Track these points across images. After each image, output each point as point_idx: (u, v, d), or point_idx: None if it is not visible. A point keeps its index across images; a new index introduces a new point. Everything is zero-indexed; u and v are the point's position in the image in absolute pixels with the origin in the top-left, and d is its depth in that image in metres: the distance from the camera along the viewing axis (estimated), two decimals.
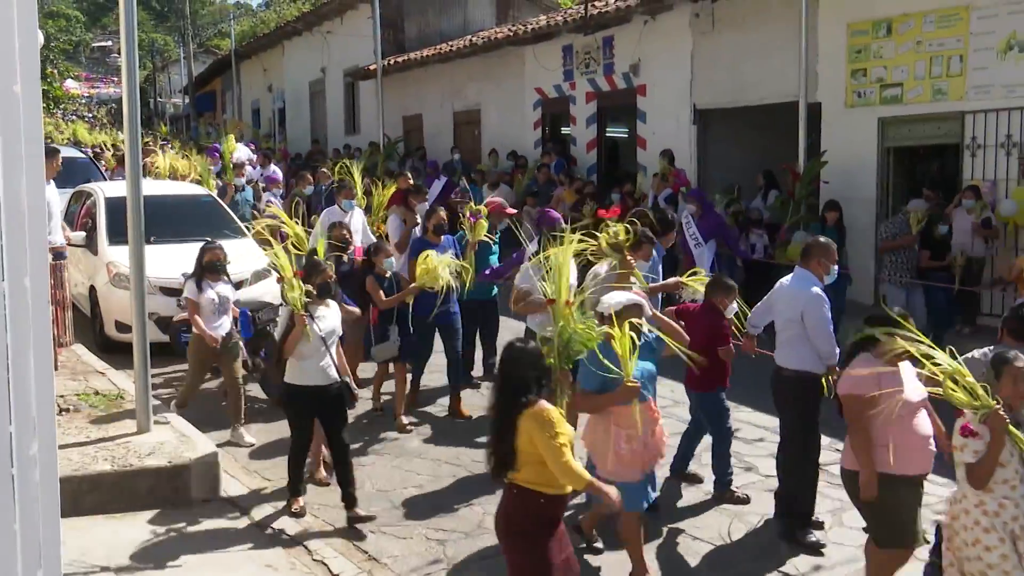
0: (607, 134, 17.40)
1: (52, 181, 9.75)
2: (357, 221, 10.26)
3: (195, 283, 7.67)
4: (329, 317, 6.21)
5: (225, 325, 7.73)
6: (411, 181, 11.48)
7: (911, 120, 11.41)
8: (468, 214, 8.57)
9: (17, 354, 1.61)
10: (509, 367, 4.29)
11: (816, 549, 5.77)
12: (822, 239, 6.09)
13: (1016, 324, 5.13)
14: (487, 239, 8.66)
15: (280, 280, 6.09)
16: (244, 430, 7.72)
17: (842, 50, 12.03)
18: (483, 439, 7.60)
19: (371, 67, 22.26)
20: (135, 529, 5.83)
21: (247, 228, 11.74)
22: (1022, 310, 5.31)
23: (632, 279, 6.29)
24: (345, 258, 8.33)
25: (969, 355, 4.96)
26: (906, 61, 11.25)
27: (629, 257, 6.47)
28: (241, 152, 17.85)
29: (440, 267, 7.68)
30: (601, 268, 6.40)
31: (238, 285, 9.69)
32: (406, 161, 20.55)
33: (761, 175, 13.49)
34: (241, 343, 8.08)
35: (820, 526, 6.00)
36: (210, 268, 7.69)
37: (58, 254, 8.77)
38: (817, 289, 5.75)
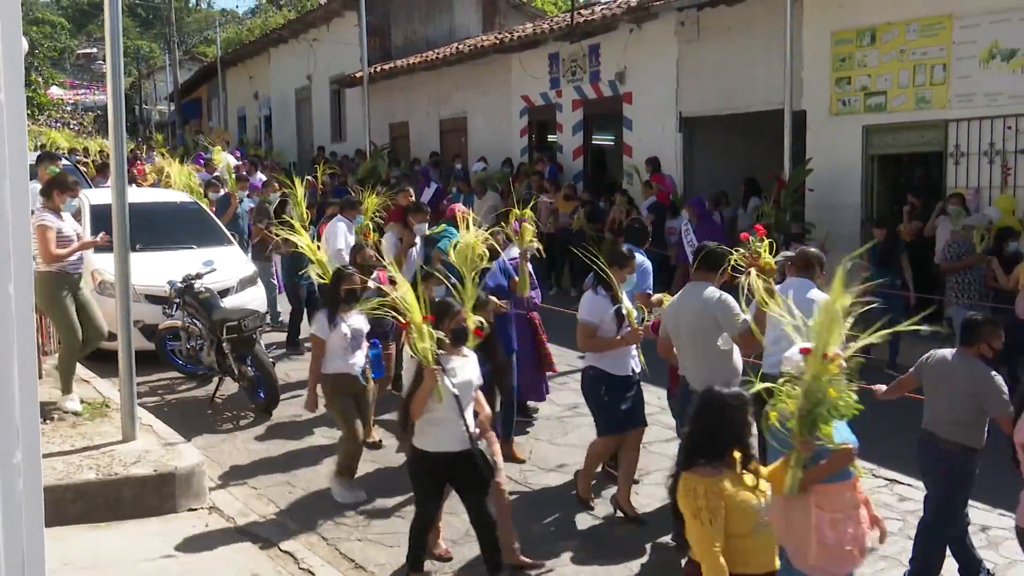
0: (593, 142, 17.45)
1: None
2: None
3: (326, 317, 6.63)
4: (465, 369, 5.19)
5: (359, 361, 6.75)
6: (412, 198, 10.83)
7: (895, 128, 11.49)
8: (513, 220, 7.81)
9: (0, 361, 1.60)
10: (702, 417, 3.76)
11: None
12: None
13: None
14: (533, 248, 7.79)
15: (406, 327, 5.04)
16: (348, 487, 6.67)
17: (826, 58, 12.11)
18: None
19: (357, 74, 22.26)
20: (120, 538, 5.79)
21: (233, 238, 11.74)
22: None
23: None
24: (372, 284, 7.55)
25: None
26: (890, 69, 11.34)
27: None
28: (228, 161, 17.86)
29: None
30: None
31: (224, 293, 9.70)
32: (409, 165, 20.47)
33: (743, 183, 13.56)
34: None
35: None
36: (349, 299, 6.70)
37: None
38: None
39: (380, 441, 7.62)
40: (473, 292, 6.41)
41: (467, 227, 6.93)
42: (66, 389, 7.59)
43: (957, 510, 5.20)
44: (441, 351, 5.03)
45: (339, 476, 6.63)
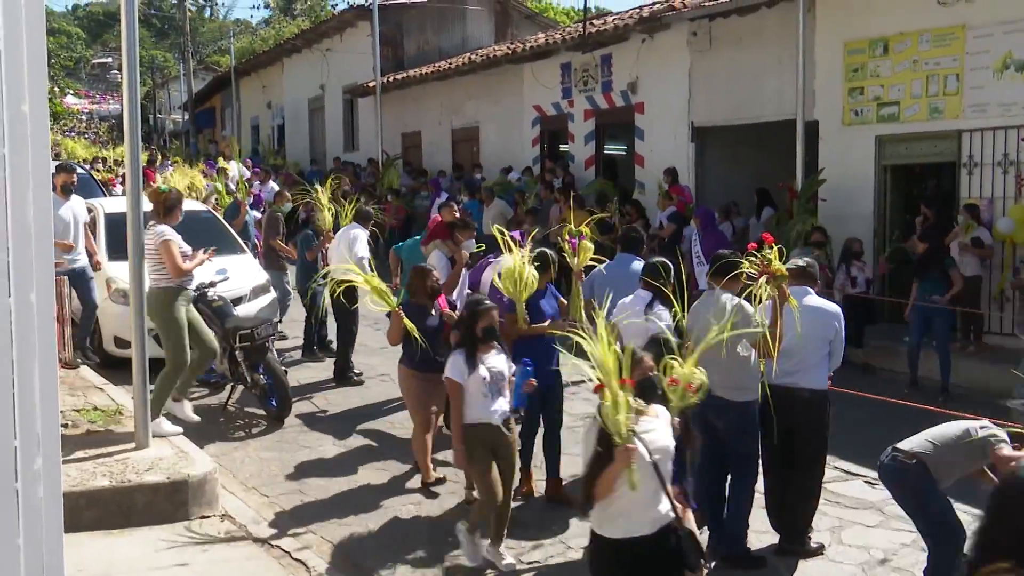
0: (605, 151, 17.46)
1: (72, 195, 9.83)
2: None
3: (463, 358, 5.77)
4: (660, 430, 4.02)
5: (501, 408, 5.77)
6: (457, 213, 9.83)
7: (908, 138, 11.47)
8: (568, 236, 7.20)
9: (22, 369, 1.63)
10: (1010, 510, 3.18)
11: (820, 551, 5.84)
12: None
13: None
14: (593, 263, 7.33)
15: (598, 390, 3.86)
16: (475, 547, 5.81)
17: (839, 69, 12.10)
18: None
19: (370, 84, 22.37)
20: (133, 545, 5.82)
21: (246, 246, 11.80)
22: None
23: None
24: (432, 311, 6.99)
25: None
26: (903, 80, 11.32)
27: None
28: (236, 169, 17.98)
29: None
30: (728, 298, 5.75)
31: (237, 301, 9.75)
32: (423, 174, 20.52)
33: (755, 193, 13.55)
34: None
35: (821, 549, 5.97)
36: (487, 336, 5.79)
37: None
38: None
39: (444, 478, 7.04)
40: (524, 319, 6.42)
41: (509, 249, 6.53)
42: (158, 412, 7.27)
43: None
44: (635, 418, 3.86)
45: (470, 533, 5.79)
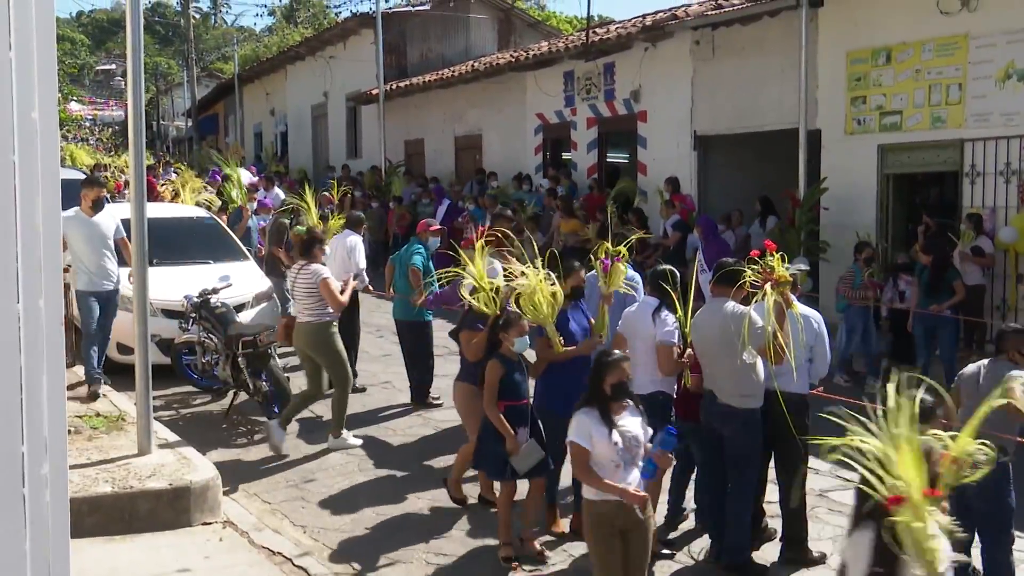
0: (608, 159, 17.48)
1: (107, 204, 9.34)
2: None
3: (598, 417, 4.78)
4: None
5: (635, 480, 4.73)
6: (512, 222, 9.46)
7: (911, 147, 11.49)
8: (603, 257, 6.47)
9: (30, 375, 1.63)
10: None
11: (822, 560, 5.84)
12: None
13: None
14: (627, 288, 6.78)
15: (892, 504, 3.19)
16: None
17: (842, 78, 12.12)
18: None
19: (373, 91, 22.42)
20: (135, 551, 5.82)
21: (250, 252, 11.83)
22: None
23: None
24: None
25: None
26: (905, 89, 11.34)
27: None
28: (243, 176, 17.97)
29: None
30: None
31: (239, 308, 9.76)
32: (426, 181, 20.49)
33: (758, 202, 13.55)
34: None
35: (823, 559, 5.95)
36: (619, 393, 4.84)
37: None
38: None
39: (543, 552, 6.05)
40: (558, 342, 6.00)
41: (520, 271, 6.07)
42: (339, 429, 8.03)
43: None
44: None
45: None
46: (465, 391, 6.62)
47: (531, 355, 6.26)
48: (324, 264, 8.13)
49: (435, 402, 9.15)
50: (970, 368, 5.56)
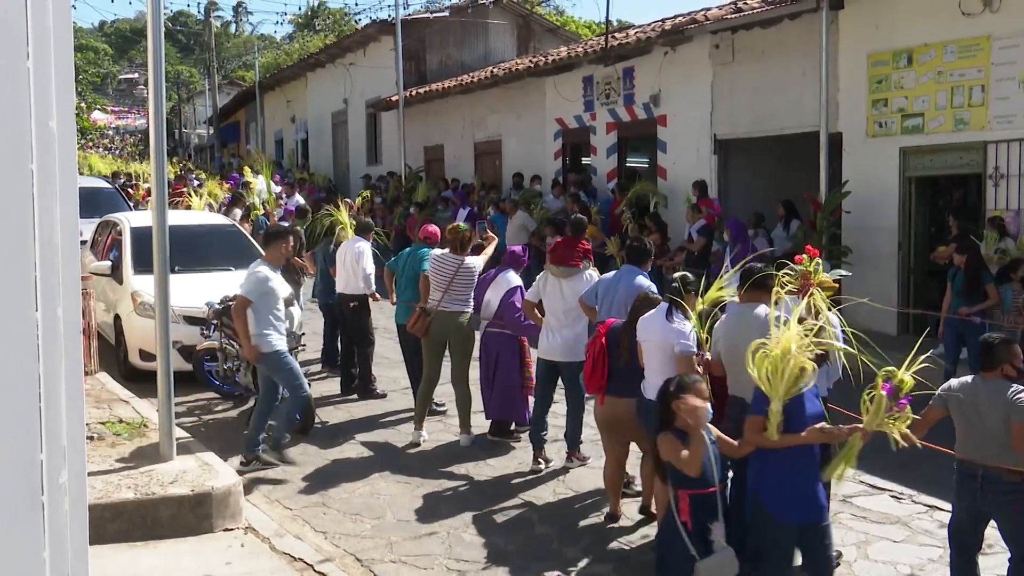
0: (628, 164, 17.44)
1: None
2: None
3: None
4: None
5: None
6: (563, 227, 9.40)
7: (933, 150, 11.39)
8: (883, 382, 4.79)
9: (49, 382, 1.64)
10: None
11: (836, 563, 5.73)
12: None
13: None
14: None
15: None
16: None
17: (863, 80, 12.04)
18: (509, 469, 7.59)
19: (393, 98, 22.50)
20: (157, 558, 5.85)
21: None
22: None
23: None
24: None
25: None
26: (927, 91, 11.25)
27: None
28: (263, 183, 18.10)
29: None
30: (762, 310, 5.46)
31: None
32: (442, 188, 20.52)
33: (782, 205, 13.46)
34: None
35: (838, 559, 5.87)
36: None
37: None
38: None
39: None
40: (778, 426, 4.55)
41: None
42: (467, 426, 8.36)
43: None
44: None
45: None
46: (622, 407, 6.23)
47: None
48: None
49: (439, 408, 9.13)
50: (957, 386, 5.03)
